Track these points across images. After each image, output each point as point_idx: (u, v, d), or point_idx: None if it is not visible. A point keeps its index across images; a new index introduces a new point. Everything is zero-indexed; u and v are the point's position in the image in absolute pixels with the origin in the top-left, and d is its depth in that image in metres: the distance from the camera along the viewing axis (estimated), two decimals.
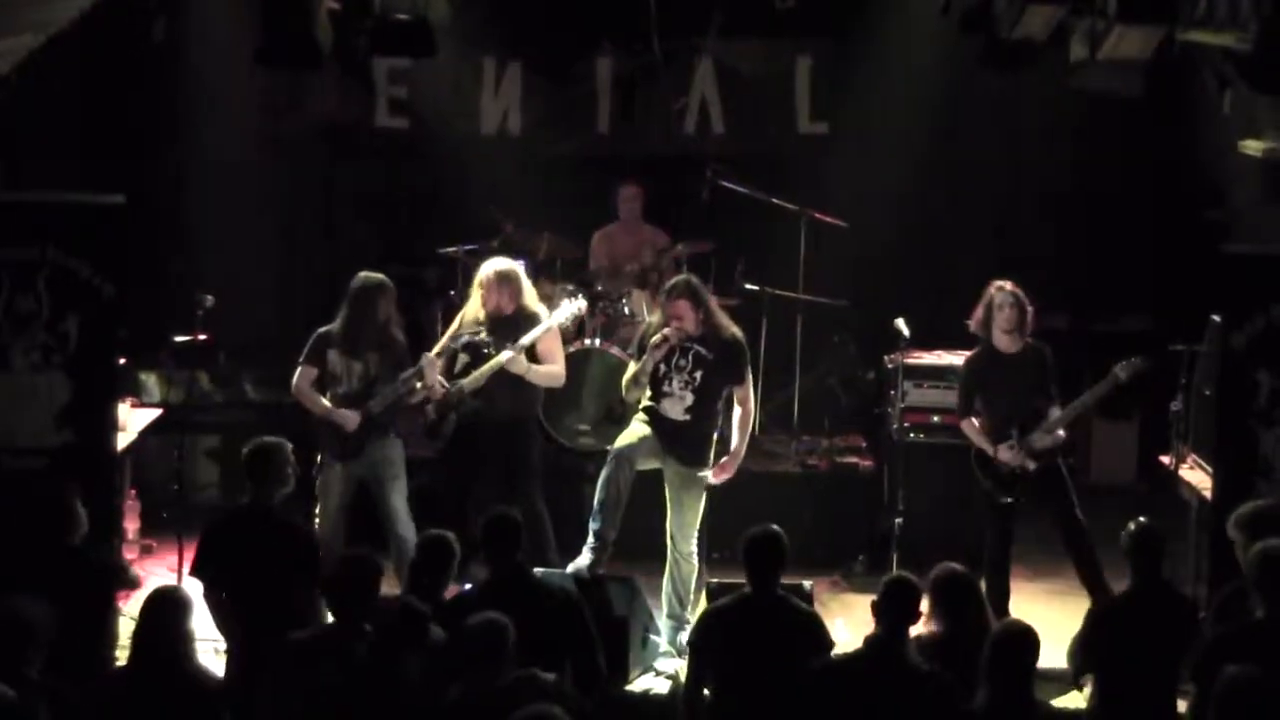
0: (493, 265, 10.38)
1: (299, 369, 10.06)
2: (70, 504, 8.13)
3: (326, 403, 9.96)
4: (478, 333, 10.24)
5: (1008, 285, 10.04)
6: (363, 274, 10.15)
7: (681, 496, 9.69)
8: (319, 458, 10.05)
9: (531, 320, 10.20)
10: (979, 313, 10.12)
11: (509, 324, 10.17)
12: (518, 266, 10.50)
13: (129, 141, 12.85)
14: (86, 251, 9.41)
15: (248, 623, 8.02)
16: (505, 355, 10.00)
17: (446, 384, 10.17)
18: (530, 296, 10.36)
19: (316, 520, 9.98)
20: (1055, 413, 9.96)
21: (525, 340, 10.05)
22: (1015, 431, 9.93)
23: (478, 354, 10.19)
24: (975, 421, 10.11)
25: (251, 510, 8.44)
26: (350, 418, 9.87)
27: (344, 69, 12.48)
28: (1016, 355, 10.03)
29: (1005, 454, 9.93)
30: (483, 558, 8.03)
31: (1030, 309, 10.03)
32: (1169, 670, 7.78)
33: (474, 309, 10.35)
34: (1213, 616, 8.16)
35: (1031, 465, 9.92)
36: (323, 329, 10.08)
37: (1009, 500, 10.02)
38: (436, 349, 10.28)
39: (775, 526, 7.73)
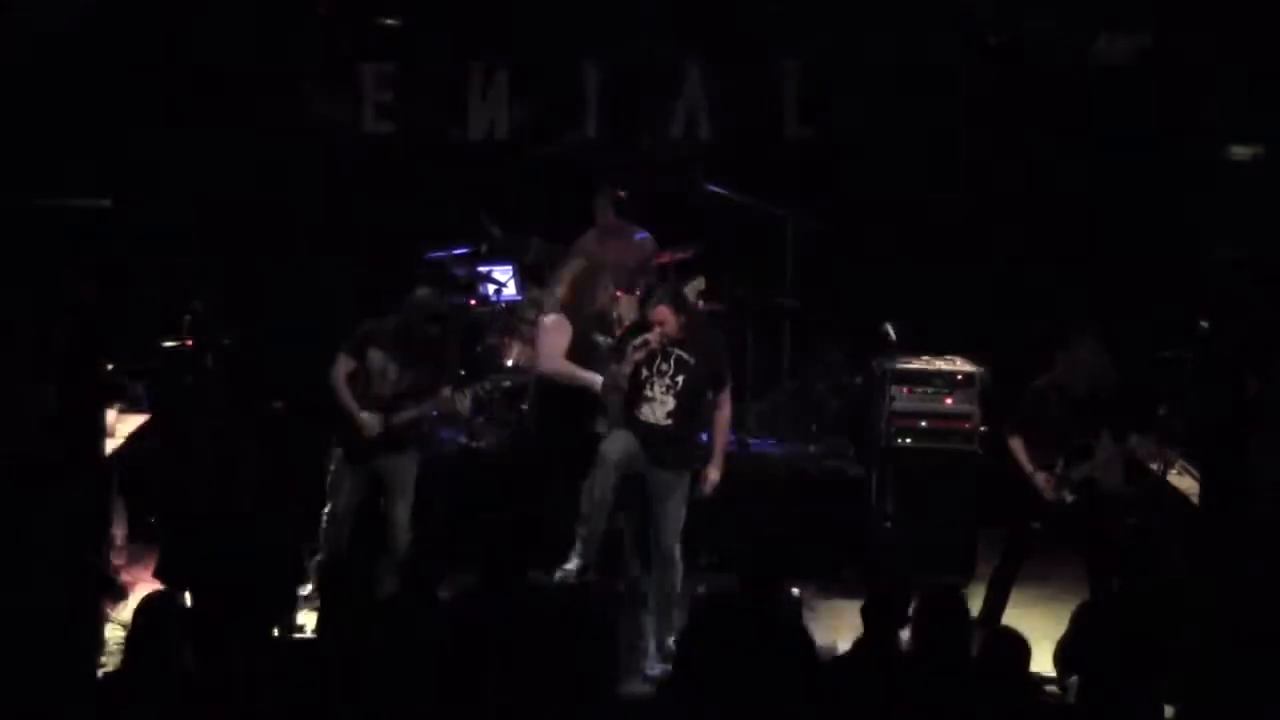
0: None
1: (339, 356, 10.06)
2: (58, 509, 8.14)
3: (353, 402, 9.95)
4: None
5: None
6: (422, 292, 10.13)
7: (665, 502, 9.67)
8: (334, 455, 10.05)
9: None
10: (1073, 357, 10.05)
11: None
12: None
13: (116, 146, 12.79)
14: (73, 255, 9.38)
15: (219, 621, 7.91)
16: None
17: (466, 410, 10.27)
18: None
19: (326, 513, 9.99)
20: (1103, 448, 9.95)
21: None
22: (1061, 462, 9.93)
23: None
24: (1022, 442, 10.07)
25: (219, 512, 8.52)
26: (372, 424, 9.90)
27: (331, 73, 12.47)
28: (1081, 391, 9.99)
29: (1041, 481, 9.93)
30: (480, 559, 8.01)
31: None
32: (1153, 673, 7.77)
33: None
34: (1200, 621, 8.12)
35: (1069, 498, 9.92)
36: (372, 323, 10.09)
37: (1036, 526, 10.01)
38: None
39: (780, 537, 7.75)
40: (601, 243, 12.58)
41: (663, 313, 9.70)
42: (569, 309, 10.60)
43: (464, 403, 10.23)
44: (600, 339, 10.36)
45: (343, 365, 10.01)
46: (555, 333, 10.53)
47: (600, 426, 10.19)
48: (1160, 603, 8.03)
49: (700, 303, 10.31)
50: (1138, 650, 7.77)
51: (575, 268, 10.68)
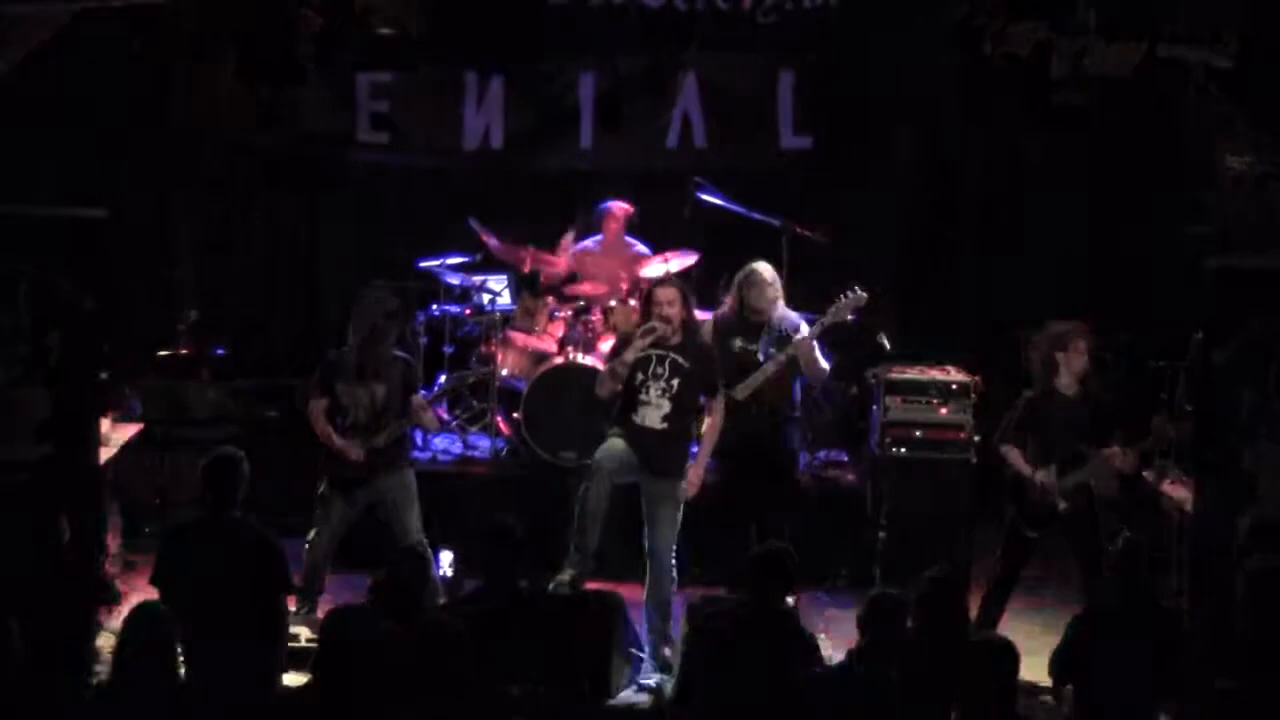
0: (763, 266, 10.49)
1: (310, 397, 10.01)
2: (53, 517, 8.16)
3: (333, 433, 9.88)
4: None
5: (1084, 339, 9.99)
6: (366, 299, 10.05)
7: (659, 509, 9.65)
8: (323, 481, 9.99)
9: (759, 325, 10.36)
10: (1045, 356, 10.04)
11: (758, 327, 10.36)
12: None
13: (111, 155, 12.77)
14: (68, 265, 9.30)
15: (211, 631, 7.94)
16: (781, 358, 10.21)
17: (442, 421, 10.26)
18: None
19: (309, 541, 9.92)
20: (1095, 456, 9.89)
21: (803, 341, 10.22)
22: (1053, 469, 9.89)
23: (742, 362, 10.31)
24: (1015, 450, 10.02)
25: (213, 519, 8.38)
26: (355, 451, 9.82)
27: (326, 83, 12.43)
28: (1074, 398, 9.97)
29: (1043, 477, 9.87)
30: (481, 567, 8.02)
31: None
32: (1148, 683, 7.79)
33: (729, 306, 10.50)
34: (1197, 631, 8.17)
35: (1062, 505, 9.87)
36: (331, 356, 10.01)
37: (1032, 535, 9.98)
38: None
39: (784, 545, 7.74)
40: (597, 256, 12.64)
41: (671, 294, 9.73)
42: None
43: (430, 415, 10.25)
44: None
45: (316, 405, 9.94)
46: None
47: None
48: (1155, 614, 8.03)
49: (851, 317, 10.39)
50: (1132, 661, 7.77)
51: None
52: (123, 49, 12.33)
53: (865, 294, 10.27)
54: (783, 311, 10.45)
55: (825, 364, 10.46)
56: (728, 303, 10.56)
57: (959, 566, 10.83)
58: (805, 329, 10.32)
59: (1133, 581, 7.95)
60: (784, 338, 10.30)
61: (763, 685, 7.34)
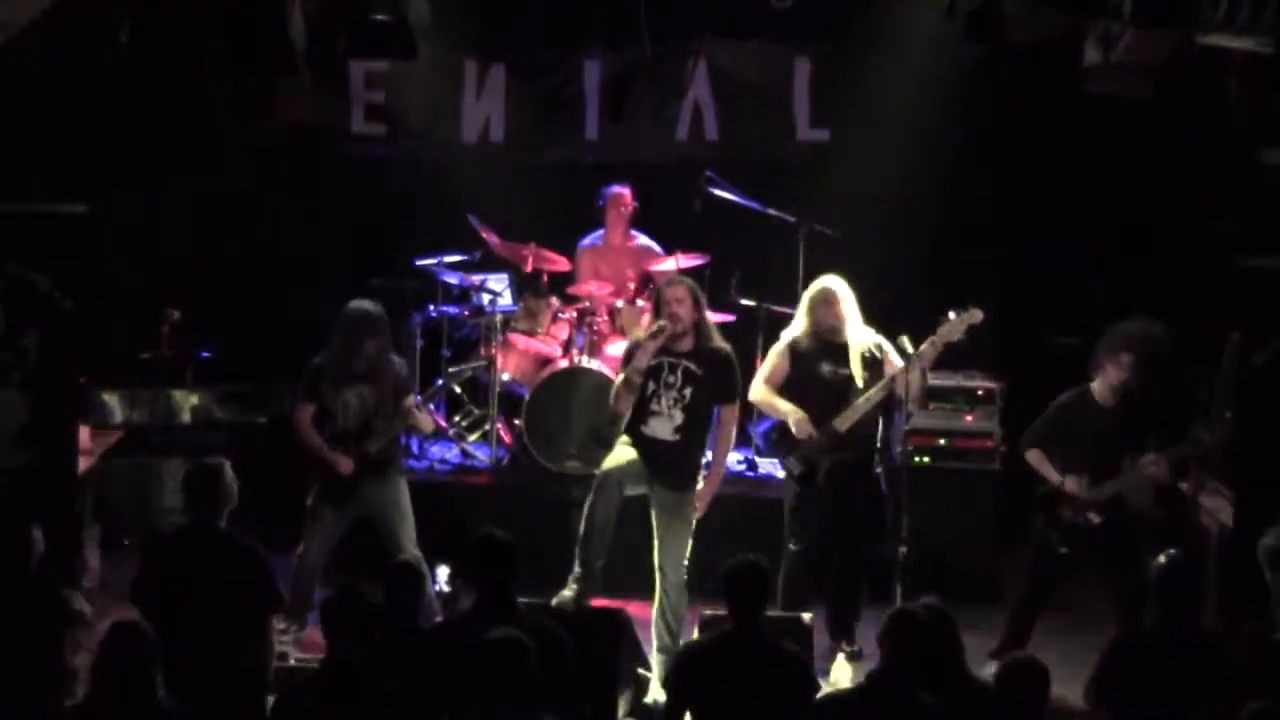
0: (833, 281, 10.00)
1: (297, 405, 9.88)
2: (26, 529, 7.93)
3: (323, 445, 9.75)
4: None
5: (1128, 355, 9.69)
6: (351, 305, 9.90)
7: (670, 523, 9.50)
8: (312, 492, 9.82)
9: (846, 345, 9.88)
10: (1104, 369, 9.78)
11: (841, 348, 9.86)
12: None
13: (92, 148, 12.67)
14: (47, 263, 9.31)
15: (194, 649, 7.75)
16: (885, 383, 9.71)
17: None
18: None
19: (297, 555, 9.78)
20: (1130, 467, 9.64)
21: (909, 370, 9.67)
22: (1084, 480, 9.65)
23: (837, 388, 9.85)
24: (1041, 455, 9.76)
25: (197, 531, 8.23)
26: (344, 463, 9.68)
27: (319, 72, 12.23)
28: (1110, 410, 9.72)
29: (1071, 485, 9.62)
30: (473, 582, 7.79)
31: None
32: (1188, 707, 7.55)
33: (804, 328, 9.97)
34: (1236, 650, 7.89)
35: (1096, 519, 9.62)
36: (316, 360, 9.87)
37: (1064, 552, 9.70)
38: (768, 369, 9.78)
39: (754, 556, 7.45)
40: (604, 251, 12.44)
41: (680, 293, 9.47)
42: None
43: (424, 416, 10.12)
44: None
45: (303, 412, 9.80)
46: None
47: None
48: (1197, 635, 7.81)
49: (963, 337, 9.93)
50: (1173, 685, 7.55)
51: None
52: (106, 37, 12.08)
53: (980, 311, 9.78)
54: (860, 330, 9.95)
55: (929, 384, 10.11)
56: (799, 324, 10.03)
57: (986, 583, 10.65)
58: (890, 349, 9.83)
59: (1176, 602, 7.71)
60: (874, 360, 9.84)
61: (750, 709, 7.17)
